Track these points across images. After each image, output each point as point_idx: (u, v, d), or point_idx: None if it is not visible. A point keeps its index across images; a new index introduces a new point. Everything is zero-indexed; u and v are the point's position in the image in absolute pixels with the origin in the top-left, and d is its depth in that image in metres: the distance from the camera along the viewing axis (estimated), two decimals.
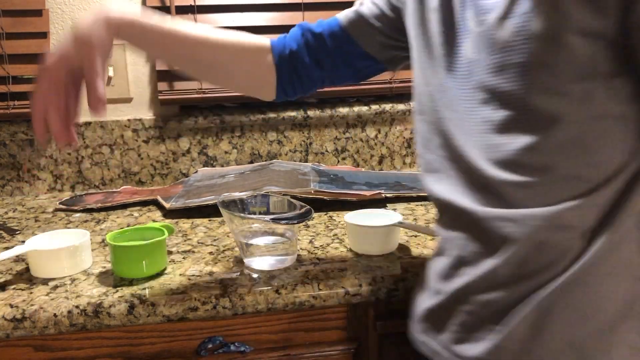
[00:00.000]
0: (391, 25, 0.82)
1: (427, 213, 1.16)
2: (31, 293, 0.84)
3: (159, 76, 1.38)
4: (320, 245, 1.00)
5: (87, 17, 0.75)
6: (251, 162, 1.46)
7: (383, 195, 1.22)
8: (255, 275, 0.88)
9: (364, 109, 1.46)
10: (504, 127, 0.58)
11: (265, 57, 0.87)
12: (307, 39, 0.86)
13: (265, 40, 0.88)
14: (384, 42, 0.84)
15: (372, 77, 0.90)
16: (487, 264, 0.62)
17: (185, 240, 1.04)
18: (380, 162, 1.52)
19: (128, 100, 1.42)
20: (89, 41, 0.73)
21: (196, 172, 1.44)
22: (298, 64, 0.86)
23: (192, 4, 1.35)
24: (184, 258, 0.96)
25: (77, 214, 1.22)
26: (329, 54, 0.86)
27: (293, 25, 1.40)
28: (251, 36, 0.87)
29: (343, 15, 0.86)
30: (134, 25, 0.78)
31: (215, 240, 1.04)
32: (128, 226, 1.12)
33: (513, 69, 0.57)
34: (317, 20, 0.88)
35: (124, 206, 1.26)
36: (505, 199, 0.59)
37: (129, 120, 1.40)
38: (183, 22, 0.83)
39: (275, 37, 1.40)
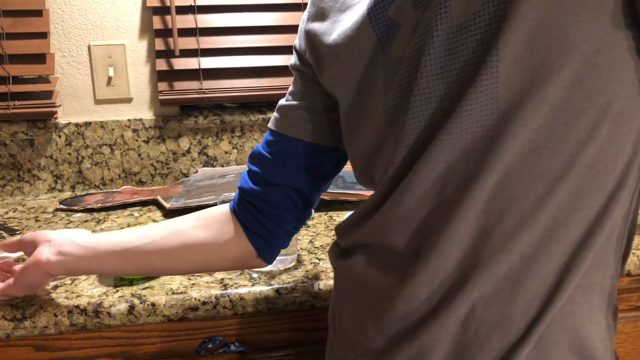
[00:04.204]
0: None
1: None
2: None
3: (159, 76, 1.38)
4: (320, 245, 1.00)
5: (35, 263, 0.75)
6: None
7: None
8: (255, 275, 0.88)
9: None
10: None
11: (228, 220, 0.74)
12: (249, 168, 0.74)
13: (225, 207, 0.76)
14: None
15: (340, 169, 0.74)
16: None
17: None
18: None
19: (128, 100, 1.42)
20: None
21: (196, 172, 1.44)
22: (250, 198, 0.71)
23: (192, 4, 1.35)
24: None
25: (77, 214, 1.22)
26: (273, 166, 0.71)
27: (293, 26, 1.42)
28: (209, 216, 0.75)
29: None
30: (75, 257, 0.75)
31: None
32: (128, 226, 1.12)
33: None
34: None
35: (124, 206, 1.26)
36: None
37: (129, 120, 1.40)
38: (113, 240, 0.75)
39: (275, 38, 1.41)
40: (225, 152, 1.45)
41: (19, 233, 1.11)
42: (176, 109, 1.43)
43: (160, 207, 1.25)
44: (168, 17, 1.35)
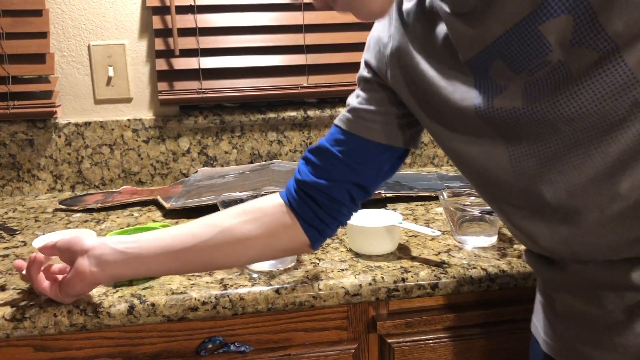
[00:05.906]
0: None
1: (427, 213, 1.16)
2: (31, 293, 0.84)
3: (158, 76, 1.38)
4: (320, 245, 1.00)
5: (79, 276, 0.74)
6: (251, 162, 1.46)
7: (383, 195, 1.22)
8: (255, 275, 0.88)
9: None
10: None
11: (282, 212, 0.76)
12: (310, 161, 0.75)
13: (276, 199, 0.77)
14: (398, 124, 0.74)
15: (398, 167, 0.78)
16: None
17: None
18: None
19: (128, 100, 1.42)
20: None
21: (196, 172, 1.44)
22: (312, 191, 0.74)
23: (192, 4, 1.35)
24: None
25: (77, 214, 1.22)
26: (341, 163, 0.73)
27: (292, 25, 1.42)
28: (264, 206, 0.76)
29: (339, 119, 0.76)
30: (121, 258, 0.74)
31: None
32: (128, 226, 1.12)
33: None
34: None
35: (124, 206, 1.26)
36: None
37: (129, 120, 1.40)
38: (175, 235, 0.75)
39: (275, 38, 1.41)
40: (225, 152, 1.45)
41: (19, 233, 1.11)
42: (176, 109, 1.43)
43: (160, 207, 1.25)
44: (168, 17, 1.35)
